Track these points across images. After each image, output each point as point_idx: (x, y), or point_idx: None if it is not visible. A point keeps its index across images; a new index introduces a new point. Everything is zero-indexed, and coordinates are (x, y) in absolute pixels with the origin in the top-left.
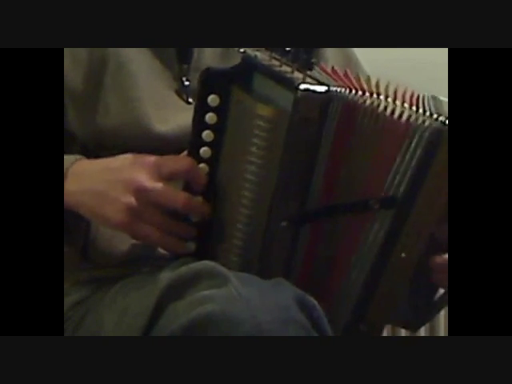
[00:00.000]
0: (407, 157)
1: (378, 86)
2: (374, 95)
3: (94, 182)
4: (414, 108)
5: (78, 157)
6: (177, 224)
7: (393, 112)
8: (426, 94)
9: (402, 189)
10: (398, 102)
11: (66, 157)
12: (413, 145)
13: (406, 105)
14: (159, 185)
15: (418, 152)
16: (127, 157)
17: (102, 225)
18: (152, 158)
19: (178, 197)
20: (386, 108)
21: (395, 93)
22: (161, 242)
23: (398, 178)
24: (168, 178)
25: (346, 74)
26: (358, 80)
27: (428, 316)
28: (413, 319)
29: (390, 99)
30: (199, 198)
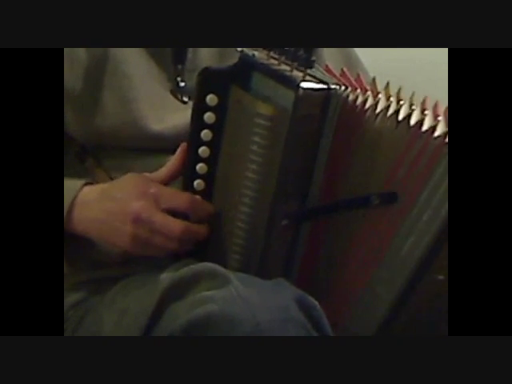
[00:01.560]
0: (440, 170)
1: (374, 82)
2: (376, 94)
3: (98, 211)
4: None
5: (82, 182)
6: (181, 243)
7: (421, 124)
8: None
9: (442, 212)
10: (406, 104)
11: (71, 183)
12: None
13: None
14: (155, 215)
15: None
16: (127, 185)
17: (112, 249)
18: (151, 189)
19: (174, 227)
20: (410, 115)
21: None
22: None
23: (429, 190)
24: (168, 212)
25: (343, 74)
26: (359, 79)
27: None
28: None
29: (394, 100)
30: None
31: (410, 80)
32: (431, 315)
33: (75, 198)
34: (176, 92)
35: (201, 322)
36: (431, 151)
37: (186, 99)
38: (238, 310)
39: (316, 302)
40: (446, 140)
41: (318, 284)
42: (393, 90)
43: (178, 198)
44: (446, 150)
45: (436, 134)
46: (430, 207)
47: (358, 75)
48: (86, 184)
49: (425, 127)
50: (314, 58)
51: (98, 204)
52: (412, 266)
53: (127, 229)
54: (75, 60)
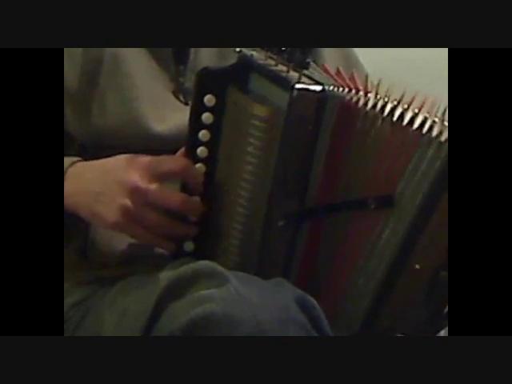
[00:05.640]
0: (423, 166)
1: (378, 86)
2: (371, 95)
3: (91, 182)
4: (426, 115)
5: (75, 159)
6: (173, 224)
7: (402, 117)
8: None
9: (418, 201)
10: (408, 107)
11: (64, 159)
12: (430, 154)
13: (416, 110)
14: (154, 186)
15: (438, 164)
16: (123, 157)
17: (98, 224)
18: (147, 159)
19: (174, 197)
20: (393, 111)
21: (412, 100)
22: (154, 243)
23: (412, 186)
24: (164, 179)
25: (338, 73)
26: (354, 80)
27: (437, 328)
28: (421, 330)
29: (395, 102)
30: (196, 198)
31: (410, 80)
32: (412, 307)
33: (65, 171)
34: (178, 93)
35: (200, 322)
36: (410, 143)
37: (187, 100)
38: (238, 309)
39: (315, 302)
40: (423, 131)
41: (317, 284)
42: (393, 91)
43: (174, 161)
44: (421, 141)
45: (414, 126)
46: (403, 197)
47: (353, 74)
48: (76, 161)
49: (405, 121)
50: (309, 59)
51: (93, 175)
52: (389, 255)
53: (121, 198)
54: (76, 59)
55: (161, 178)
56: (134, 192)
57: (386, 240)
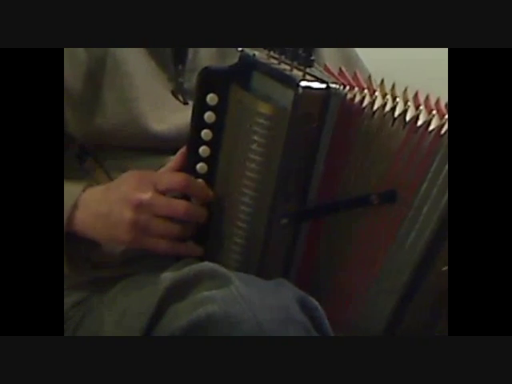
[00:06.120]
0: (436, 163)
1: (382, 85)
2: (377, 94)
3: (98, 205)
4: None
5: (84, 184)
6: (182, 228)
7: (417, 119)
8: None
9: (443, 203)
10: (401, 101)
11: (72, 186)
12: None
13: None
14: (157, 197)
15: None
16: (124, 175)
17: (117, 246)
18: (147, 173)
19: (177, 206)
20: (405, 112)
21: (413, 96)
22: (171, 251)
23: (437, 187)
24: (165, 194)
25: (341, 72)
26: (358, 79)
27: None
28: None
29: (399, 100)
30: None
31: (409, 80)
32: (435, 309)
33: (77, 200)
34: (177, 93)
35: (202, 323)
36: (427, 145)
37: (186, 100)
38: (238, 309)
39: (317, 303)
40: (441, 132)
41: (318, 283)
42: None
43: (173, 178)
44: (441, 142)
45: (431, 127)
46: (429, 200)
47: (356, 74)
48: (86, 187)
49: (420, 122)
50: (313, 57)
51: (99, 197)
52: (416, 258)
53: (128, 215)
54: (75, 60)
55: (162, 193)
56: (139, 206)
57: (410, 244)
